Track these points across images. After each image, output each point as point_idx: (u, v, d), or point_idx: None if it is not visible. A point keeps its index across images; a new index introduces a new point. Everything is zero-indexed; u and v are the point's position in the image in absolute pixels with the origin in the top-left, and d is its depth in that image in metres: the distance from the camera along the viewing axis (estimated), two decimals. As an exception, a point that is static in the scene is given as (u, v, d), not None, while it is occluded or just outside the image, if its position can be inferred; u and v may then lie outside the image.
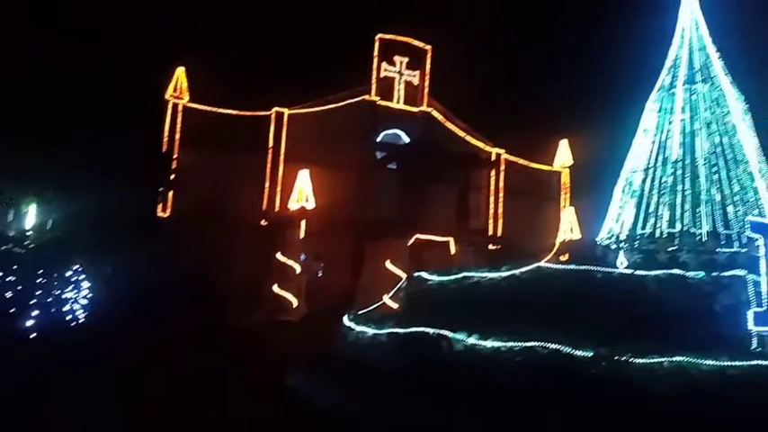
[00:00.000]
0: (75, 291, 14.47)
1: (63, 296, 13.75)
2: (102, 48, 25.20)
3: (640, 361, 9.41)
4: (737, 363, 9.43)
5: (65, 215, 17.42)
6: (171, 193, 22.45)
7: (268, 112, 24.55)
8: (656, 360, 9.40)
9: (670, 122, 20.22)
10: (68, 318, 13.92)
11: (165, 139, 23.07)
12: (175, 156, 22.85)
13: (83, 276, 14.93)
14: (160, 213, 22.33)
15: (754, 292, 10.97)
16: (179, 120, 23.23)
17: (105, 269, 17.91)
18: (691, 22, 21.08)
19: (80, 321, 14.48)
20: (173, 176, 22.30)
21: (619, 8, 32.46)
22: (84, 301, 14.84)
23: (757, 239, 11.27)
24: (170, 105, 23.30)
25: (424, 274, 13.88)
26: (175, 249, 20.56)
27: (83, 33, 21.34)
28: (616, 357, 9.44)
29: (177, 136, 23.11)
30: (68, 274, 14.23)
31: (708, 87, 20.18)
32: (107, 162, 18.15)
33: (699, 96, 20.14)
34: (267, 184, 24.02)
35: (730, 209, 18.50)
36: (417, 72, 26.61)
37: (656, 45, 22.12)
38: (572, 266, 12.42)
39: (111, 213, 18.12)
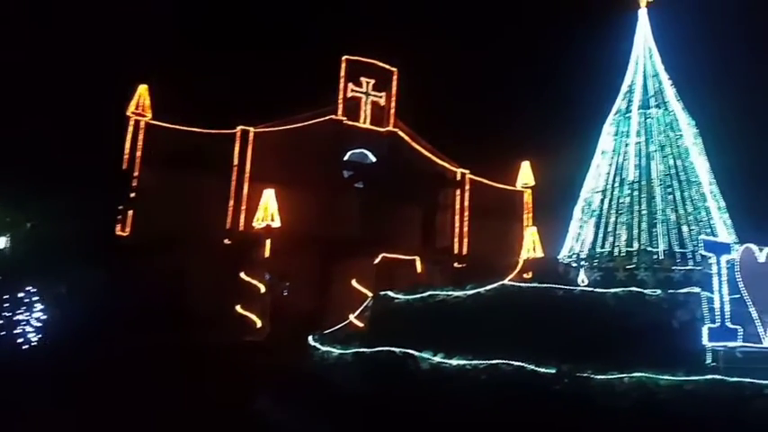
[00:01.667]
0: (28, 313, 13.88)
1: (14, 318, 13.17)
2: (60, 63, 24.69)
3: (601, 377, 9.60)
4: (694, 377, 9.71)
5: (17, 235, 16.78)
6: (131, 212, 21.88)
7: (233, 131, 24.34)
8: (616, 376, 9.60)
9: (626, 145, 21.01)
10: (20, 340, 13.32)
11: (126, 157, 22.56)
12: (136, 173, 22.33)
13: (36, 298, 14.35)
14: (119, 232, 21.71)
15: (708, 309, 11.36)
16: (140, 137, 22.79)
17: (59, 290, 17.25)
18: (645, 51, 22.07)
19: (32, 344, 13.86)
20: (133, 195, 21.75)
21: (577, 36, 33.75)
22: (37, 324, 14.24)
23: (710, 258, 11.70)
24: (131, 122, 22.85)
25: (391, 293, 13.88)
26: (135, 269, 19.98)
27: (37, 46, 20.85)
28: (578, 374, 9.61)
29: (138, 153, 22.63)
30: (21, 295, 13.66)
31: (661, 112, 21.09)
32: (64, 180, 17.63)
33: (653, 121, 21.01)
34: (231, 203, 23.69)
35: (685, 228, 19.25)
36: (384, 93, 26.92)
37: (612, 72, 23.05)
38: (535, 284, 12.62)
39: (67, 232, 17.53)
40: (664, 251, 18.74)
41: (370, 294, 18.96)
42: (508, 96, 37.00)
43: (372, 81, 26.73)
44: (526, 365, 9.83)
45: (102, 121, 22.39)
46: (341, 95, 26.14)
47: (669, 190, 19.90)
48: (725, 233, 19.49)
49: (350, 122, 26.13)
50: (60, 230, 17.17)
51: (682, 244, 18.98)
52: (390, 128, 26.81)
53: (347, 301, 20.37)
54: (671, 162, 20.36)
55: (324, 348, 12.57)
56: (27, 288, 14.09)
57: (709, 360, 11.01)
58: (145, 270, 19.88)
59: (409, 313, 12.95)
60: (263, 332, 20.47)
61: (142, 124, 22.94)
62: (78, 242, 17.92)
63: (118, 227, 21.61)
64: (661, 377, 9.61)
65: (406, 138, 27.18)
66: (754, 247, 11.95)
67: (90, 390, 11.08)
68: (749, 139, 29.11)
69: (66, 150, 18.23)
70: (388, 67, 27.11)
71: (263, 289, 21.40)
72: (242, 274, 21.54)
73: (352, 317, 18.82)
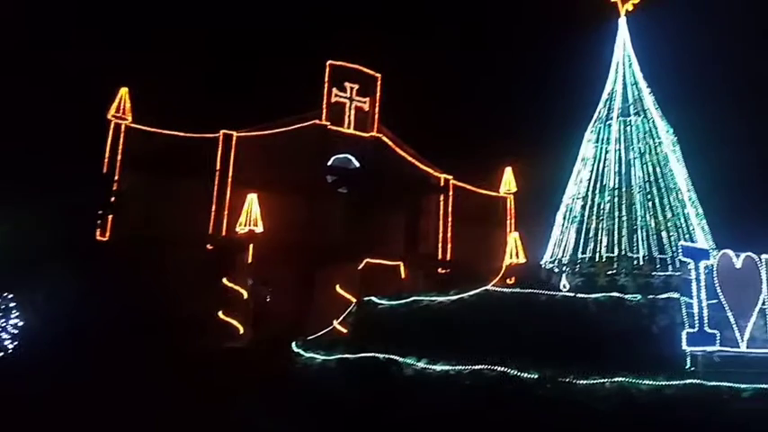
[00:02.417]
0: (4, 319, 13.59)
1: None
2: (40, 65, 24.32)
3: (583, 382, 9.70)
4: (674, 382, 9.87)
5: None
6: (111, 217, 21.55)
7: (216, 134, 24.15)
8: (597, 380, 9.71)
9: (606, 152, 21.30)
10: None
11: (106, 161, 22.24)
12: (116, 177, 22.02)
13: (12, 304, 14.04)
14: (99, 237, 21.37)
15: (687, 314, 11.55)
16: (121, 140, 22.50)
17: (37, 296, 16.90)
18: (624, 59, 22.43)
19: (8, 351, 13.56)
20: (113, 199, 21.44)
21: (559, 45, 34.23)
22: (14, 330, 13.94)
23: (689, 263, 11.92)
24: (112, 126, 22.55)
25: (375, 299, 13.88)
26: (115, 274, 19.66)
27: (14, 48, 20.51)
28: (560, 379, 9.69)
29: (119, 157, 22.33)
30: (-4, 301, 13.36)
31: (641, 120, 21.42)
32: (42, 183, 17.31)
33: (633, 128, 21.33)
34: (214, 208, 23.47)
35: (664, 234, 19.55)
36: (367, 99, 26.95)
37: (592, 80, 23.39)
38: (518, 290, 12.73)
39: (45, 237, 17.19)
40: (644, 257, 19.02)
41: (353, 300, 18.92)
42: (491, 103, 37.37)
43: (356, 86, 26.74)
44: (509, 371, 9.89)
45: (82, 124, 22.07)
46: (325, 100, 26.10)
47: (649, 197, 20.21)
48: (703, 239, 19.85)
49: (334, 127, 26.09)
50: (38, 235, 16.83)
51: (661, 250, 19.29)
52: (374, 133, 26.84)
53: (331, 307, 20.28)
54: (650, 169, 20.69)
55: (307, 355, 12.51)
56: (3, 294, 13.79)
57: (688, 364, 11.19)
58: (125, 275, 19.58)
59: (393, 319, 12.96)
60: (246, 338, 20.28)
61: (123, 127, 22.66)
62: (56, 247, 17.59)
63: (97, 231, 21.27)
64: (642, 381, 9.75)
65: (390, 143, 27.22)
66: (731, 252, 12.21)
67: (66, 398, 10.86)
68: (726, 146, 29.77)
69: (44, 153, 17.91)
70: (371, 72, 27.16)
71: (245, 295, 21.21)
72: (224, 280, 21.33)
73: (335, 323, 18.75)
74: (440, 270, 26.56)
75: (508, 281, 17.95)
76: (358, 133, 26.57)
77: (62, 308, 16.70)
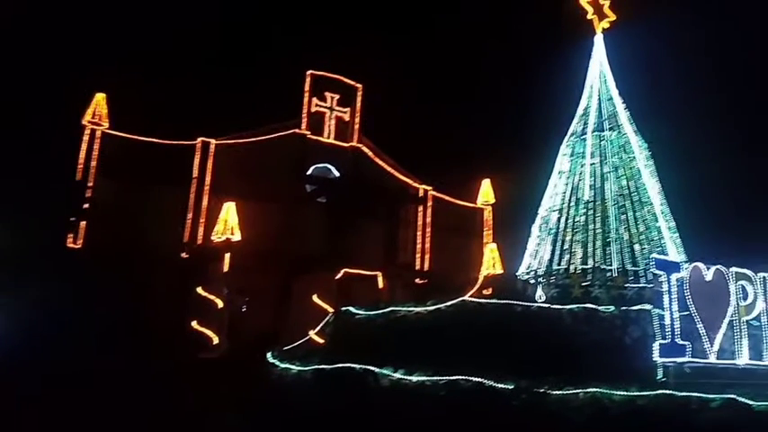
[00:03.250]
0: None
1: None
2: (11, 69, 23.87)
3: (557, 392, 9.79)
4: (646, 392, 10.01)
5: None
6: (84, 224, 21.13)
7: (193, 142, 23.93)
8: (571, 391, 9.80)
9: (581, 166, 21.64)
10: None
11: (80, 167, 21.85)
12: (90, 184, 21.63)
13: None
14: (71, 245, 20.93)
15: (659, 326, 11.75)
16: (96, 146, 22.14)
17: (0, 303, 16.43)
18: (600, 75, 22.90)
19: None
20: (86, 206, 21.04)
21: (537, 61, 34.91)
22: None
23: (661, 276, 12.14)
24: (87, 131, 22.19)
25: (352, 309, 13.84)
26: (86, 283, 19.26)
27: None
28: (535, 389, 9.77)
29: (93, 163, 21.96)
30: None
31: (615, 135, 21.84)
32: (14, 188, 16.93)
33: (607, 143, 21.73)
34: (190, 216, 23.18)
35: (637, 247, 19.89)
36: (348, 109, 27.02)
37: (569, 95, 23.83)
38: (494, 300, 12.81)
39: (13, 243, 16.79)
40: (617, 269, 19.31)
41: (331, 310, 18.84)
42: (471, 116, 37.78)
43: (337, 96, 26.81)
44: (485, 381, 9.93)
45: (56, 130, 21.69)
46: (305, 110, 26.10)
47: (622, 210, 20.58)
48: (675, 252, 20.26)
49: (314, 137, 26.09)
50: (6, 241, 16.43)
51: (634, 262, 19.61)
52: (354, 143, 26.90)
53: (308, 317, 20.13)
54: (624, 183, 21.08)
55: (283, 365, 12.40)
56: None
57: (660, 375, 11.36)
58: (96, 284, 19.19)
59: (370, 329, 12.94)
60: (220, 348, 20.00)
61: (98, 133, 22.32)
62: (26, 254, 17.18)
63: (69, 239, 20.85)
64: (615, 392, 9.88)
65: (370, 153, 27.30)
66: (701, 265, 12.48)
67: (24, 415, 10.51)
68: (697, 162, 30.54)
69: (15, 159, 17.55)
70: (352, 83, 27.27)
71: (220, 304, 20.94)
72: (199, 289, 21.04)
73: (312, 333, 18.61)
74: (418, 280, 26.62)
75: (485, 292, 18.05)
76: (338, 143, 26.59)
77: (27, 318, 16.27)
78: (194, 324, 20.41)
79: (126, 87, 23.01)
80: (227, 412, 11.66)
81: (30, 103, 21.23)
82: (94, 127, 22.24)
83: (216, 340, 20.26)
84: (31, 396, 11.39)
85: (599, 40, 23.06)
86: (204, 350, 19.60)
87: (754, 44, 35.65)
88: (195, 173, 23.55)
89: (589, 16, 22.56)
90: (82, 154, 21.82)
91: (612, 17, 22.77)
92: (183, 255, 22.58)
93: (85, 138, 22.04)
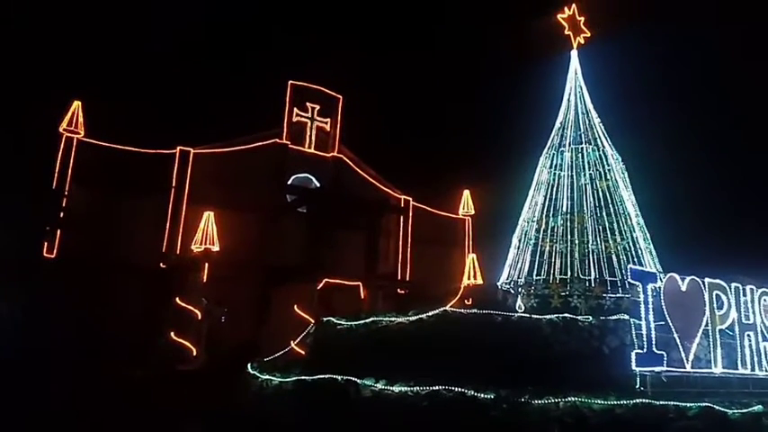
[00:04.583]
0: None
1: None
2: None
3: (538, 401, 9.86)
4: (624, 401, 10.15)
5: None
6: (59, 233, 20.72)
7: (172, 151, 23.69)
8: (551, 400, 9.89)
9: (560, 178, 21.97)
10: None
11: (56, 175, 21.46)
12: (66, 192, 21.25)
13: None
14: (45, 254, 20.49)
15: (636, 335, 11.95)
16: (72, 154, 21.79)
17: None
18: (576, 90, 23.36)
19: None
20: (62, 214, 20.65)
21: (515, 75, 35.60)
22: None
23: (637, 286, 12.36)
24: (63, 139, 21.84)
25: (333, 319, 13.78)
26: (61, 293, 18.86)
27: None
28: (516, 399, 9.83)
29: (69, 171, 21.60)
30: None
31: (592, 148, 22.25)
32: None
33: (584, 155, 22.13)
34: (168, 226, 22.89)
35: (614, 257, 20.23)
36: (329, 119, 27.08)
37: (547, 109, 24.25)
38: (475, 310, 12.88)
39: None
40: (595, 279, 19.58)
41: (312, 320, 18.72)
42: (452, 128, 38.22)
43: (318, 107, 26.88)
44: (466, 391, 9.96)
45: (32, 137, 21.28)
46: (286, 119, 26.08)
47: (600, 221, 20.93)
48: (650, 263, 20.64)
49: (294, 147, 26.06)
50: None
51: (611, 272, 19.92)
52: (335, 153, 26.94)
53: (288, 328, 20.01)
54: (601, 195, 21.45)
55: (263, 377, 12.26)
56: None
57: (637, 384, 11.53)
58: (72, 295, 18.82)
59: (352, 339, 12.89)
60: (199, 360, 19.71)
61: (75, 141, 21.99)
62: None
63: (44, 248, 20.42)
64: (594, 401, 9.99)
65: (351, 164, 27.37)
66: (676, 276, 12.75)
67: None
68: (671, 174, 31.28)
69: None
70: (333, 93, 27.37)
71: (199, 315, 20.66)
72: (177, 300, 20.75)
73: (293, 343, 18.48)
74: (399, 290, 26.65)
75: (466, 302, 18.14)
76: (319, 153, 26.61)
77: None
78: (173, 335, 20.10)
79: (104, 95, 22.77)
80: (206, 425, 11.49)
81: (4, 109, 20.82)
82: (71, 135, 21.93)
83: (195, 352, 19.98)
84: None
85: (575, 56, 23.55)
86: (183, 362, 19.31)
87: (725, 60, 36.81)
88: (174, 182, 23.32)
89: (566, 32, 23.02)
90: (58, 162, 21.48)
91: (588, 33, 23.28)
92: (162, 265, 22.27)
93: (62, 146, 21.71)
